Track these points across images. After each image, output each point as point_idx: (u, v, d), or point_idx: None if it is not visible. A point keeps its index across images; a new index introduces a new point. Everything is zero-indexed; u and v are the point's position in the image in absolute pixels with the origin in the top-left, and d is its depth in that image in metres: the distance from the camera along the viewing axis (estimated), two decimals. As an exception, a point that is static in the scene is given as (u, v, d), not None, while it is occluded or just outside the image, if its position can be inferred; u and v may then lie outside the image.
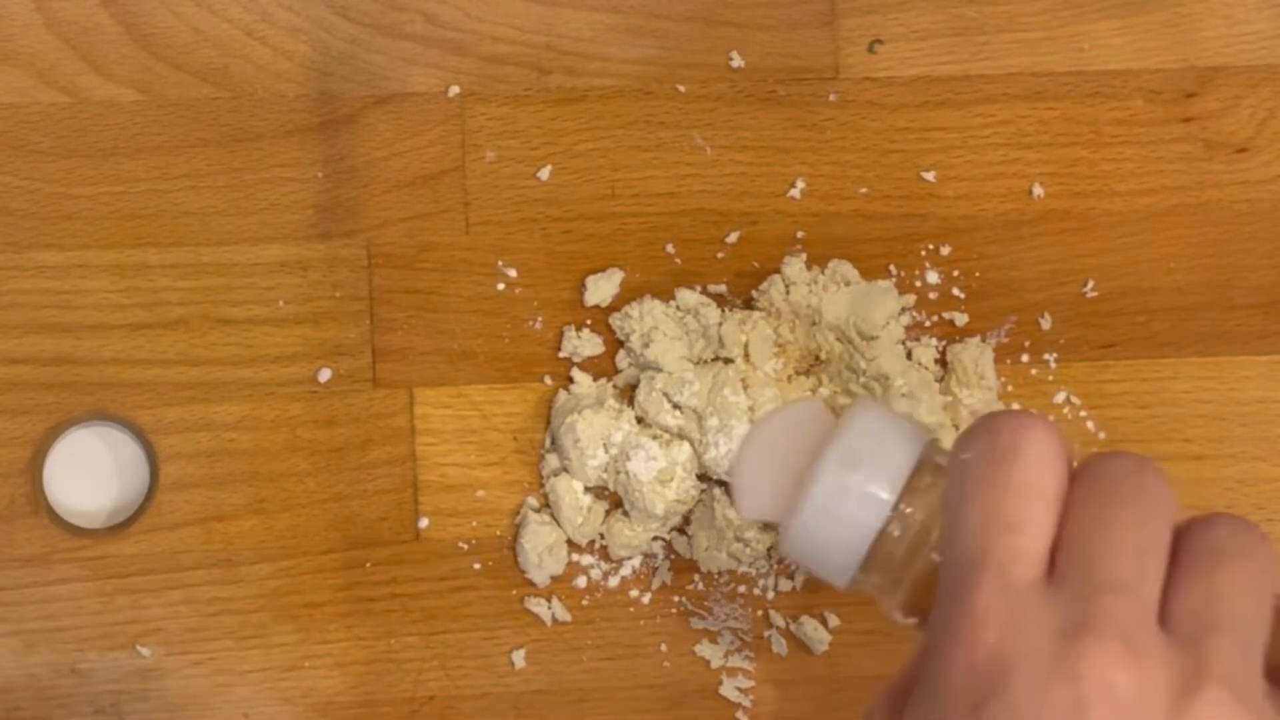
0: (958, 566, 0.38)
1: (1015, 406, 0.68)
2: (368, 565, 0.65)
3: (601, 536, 0.66)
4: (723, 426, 0.63)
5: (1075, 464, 0.40)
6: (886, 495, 0.41)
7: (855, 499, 0.41)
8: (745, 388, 0.64)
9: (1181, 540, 0.38)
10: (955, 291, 0.68)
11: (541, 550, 0.65)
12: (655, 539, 0.66)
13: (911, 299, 0.68)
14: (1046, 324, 0.68)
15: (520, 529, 0.65)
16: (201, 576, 0.64)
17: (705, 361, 0.65)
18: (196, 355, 0.65)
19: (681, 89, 0.68)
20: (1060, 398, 0.68)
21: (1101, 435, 0.68)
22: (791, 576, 0.66)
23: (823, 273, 0.67)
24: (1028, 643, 0.36)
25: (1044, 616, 0.37)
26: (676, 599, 0.66)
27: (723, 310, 0.66)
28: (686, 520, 0.66)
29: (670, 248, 0.67)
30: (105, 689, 0.63)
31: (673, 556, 0.66)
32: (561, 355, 0.66)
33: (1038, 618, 0.37)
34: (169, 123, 0.66)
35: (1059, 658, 0.36)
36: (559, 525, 0.65)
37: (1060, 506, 0.38)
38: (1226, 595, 0.37)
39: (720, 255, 0.68)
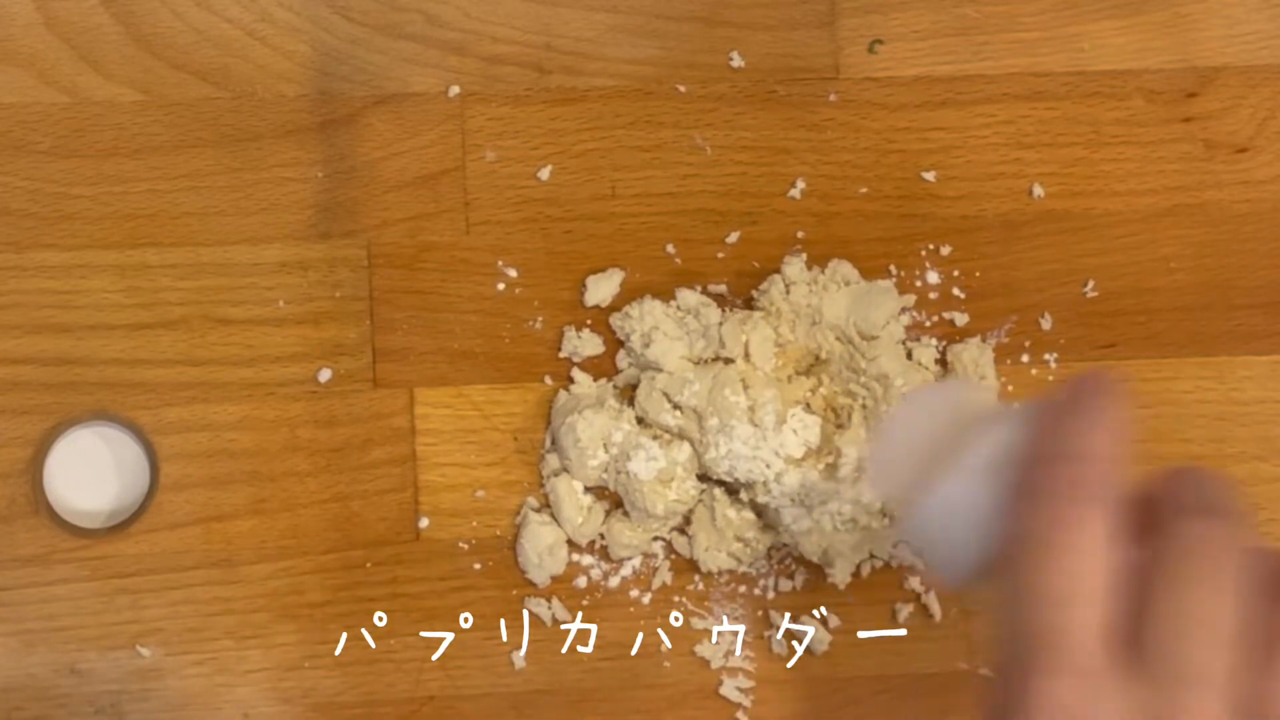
0: (1017, 642, 0.37)
1: (1015, 407, 0.68)
2: (368, 565, 0.65)
3: (601, 536, 0.66)
4: (723, 426, 0.63)
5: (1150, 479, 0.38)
6: None
7: (1004, 504, 0.39)
8: (745, 388, 0.64)
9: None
10: (955, 291, 0.68)
11: (541, 550, 0.65)
12: (655, 539, 0.66)
13: (911, 299, 0.68)
14: (1046, 324, 0.68)
15: (520, 529, 0.65)
16: (201, 576, 0.64)
17: (705, 361, 0.65)
18: (196, 355, 0.65)
19: (681, 89, 0.68)
20: (1060, 398, 0.68)
21: (1101, 435, 0.68)
22: (791, 576, 0.66)
23: (823, 273, 0.67)
24: None
25: (1117, 706, 0.36)
26: (676, 599, 0.66)
27: (723, 310, 0.66)
28: (686, 520, 0.66)
29: (670, 248, 0.67)
30: (105, 689, 0.63)
31: (673, 556, 0.66)
32: (561, 355, 0.66)
33: (1111, 708, 0.36)
34: (169, 123, 0.66)
35: None
36: (559, 525, 0.65)
37: (1125, 570, 0.37)
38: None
39: (720, 255, 0.68)
